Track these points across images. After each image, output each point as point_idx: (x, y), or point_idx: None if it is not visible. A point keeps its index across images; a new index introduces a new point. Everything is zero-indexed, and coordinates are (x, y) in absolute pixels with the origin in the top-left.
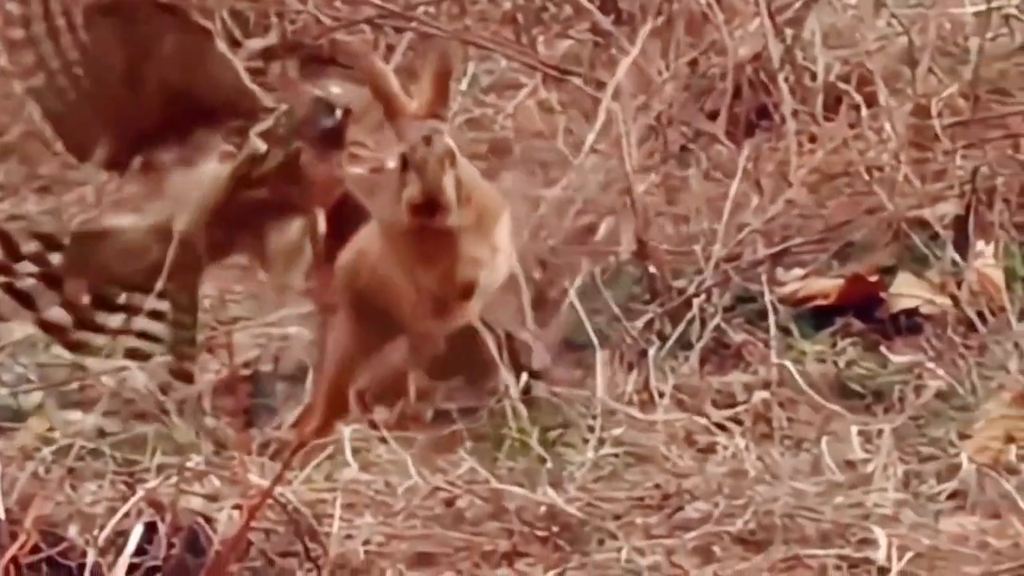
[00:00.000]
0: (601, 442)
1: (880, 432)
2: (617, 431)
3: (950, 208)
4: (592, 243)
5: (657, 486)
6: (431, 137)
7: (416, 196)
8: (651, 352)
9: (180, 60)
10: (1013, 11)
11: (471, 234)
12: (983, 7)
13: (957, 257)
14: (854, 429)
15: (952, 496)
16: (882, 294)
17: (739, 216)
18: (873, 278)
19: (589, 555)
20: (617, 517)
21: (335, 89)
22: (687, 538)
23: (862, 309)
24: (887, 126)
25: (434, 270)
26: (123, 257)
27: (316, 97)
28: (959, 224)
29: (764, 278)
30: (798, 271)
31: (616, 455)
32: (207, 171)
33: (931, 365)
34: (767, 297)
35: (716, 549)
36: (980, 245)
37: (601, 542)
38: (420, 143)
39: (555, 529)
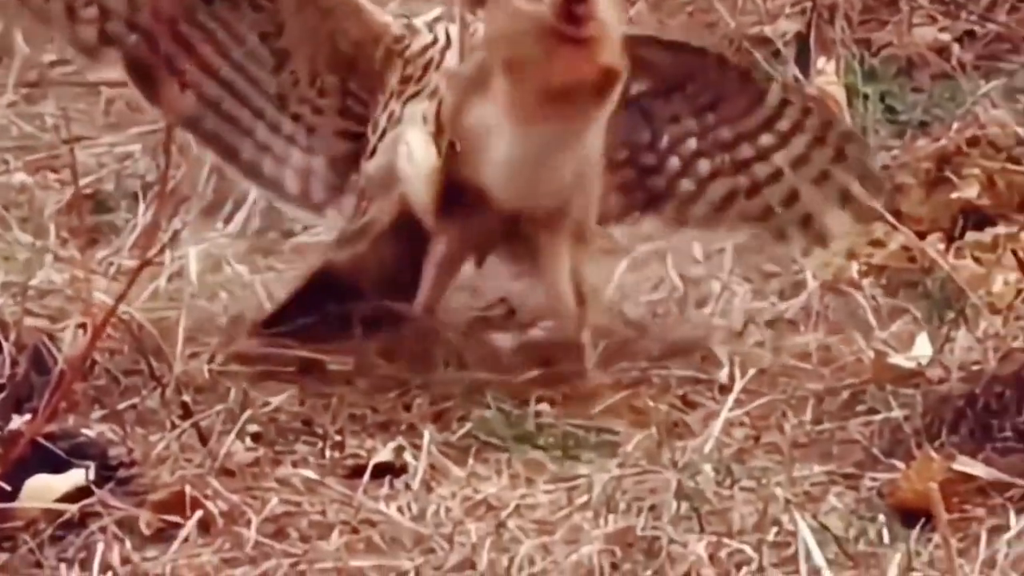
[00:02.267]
0: None
1: (722, 250)
2: None
3: (791, 25)
4: None
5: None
6: None
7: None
8: None
9: None
10: None
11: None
12: None
13: (799, 74)
14: (697, 246)
15: (795, 313)
16: None
17: None
18: None
19: None
20: None
21: None
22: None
23: None
24: None
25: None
26: None
27: None
28: (800, 41)
29: None
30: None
31: None
32: None
33: None
34: None
35: None
36: (821, 62)
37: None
38: None
39: None
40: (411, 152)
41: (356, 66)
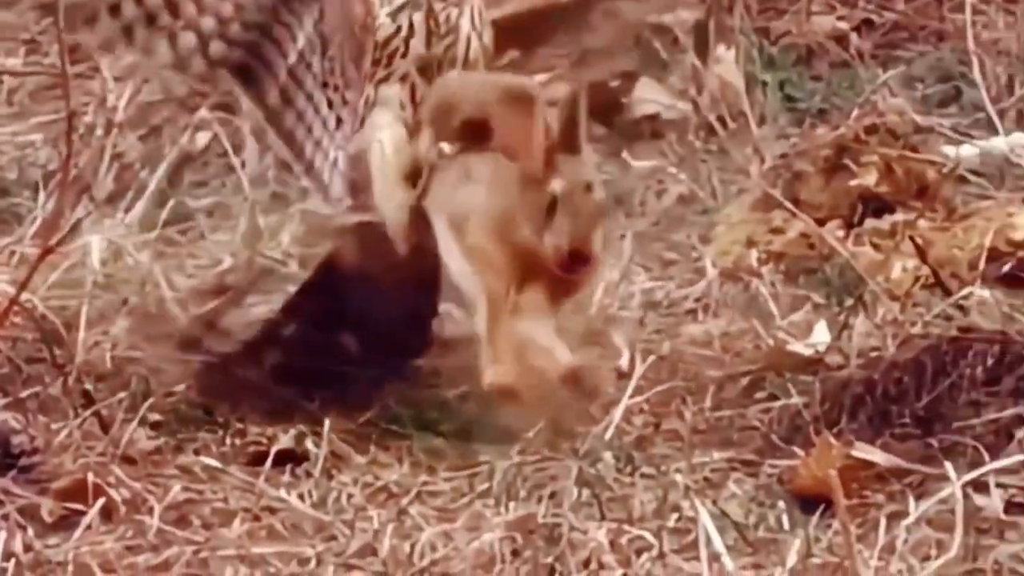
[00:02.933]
0: None
1: (622, 237)
2: None
3: (691, 14)
4: None
5: None
6: (592, 185)
7: (563, 245)
8: None
9: None
10: None
11: None
12: None
13: (698, 62)
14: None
15: (695, 300)
16: (623, 99)
17: None
18: (614, 83)
19: None
20: None
21: None
22: None
23: (603, 115)
24: None
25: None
26: None
27: None
28: (700, 29)
29: None
30: (540, 77)
31: None
32: None
33: (672, 170)
34: None
35: None
36: (721, 50)
37: None
38: (580, 188)
39: None
40: (384, 159)
41: (363, 54)
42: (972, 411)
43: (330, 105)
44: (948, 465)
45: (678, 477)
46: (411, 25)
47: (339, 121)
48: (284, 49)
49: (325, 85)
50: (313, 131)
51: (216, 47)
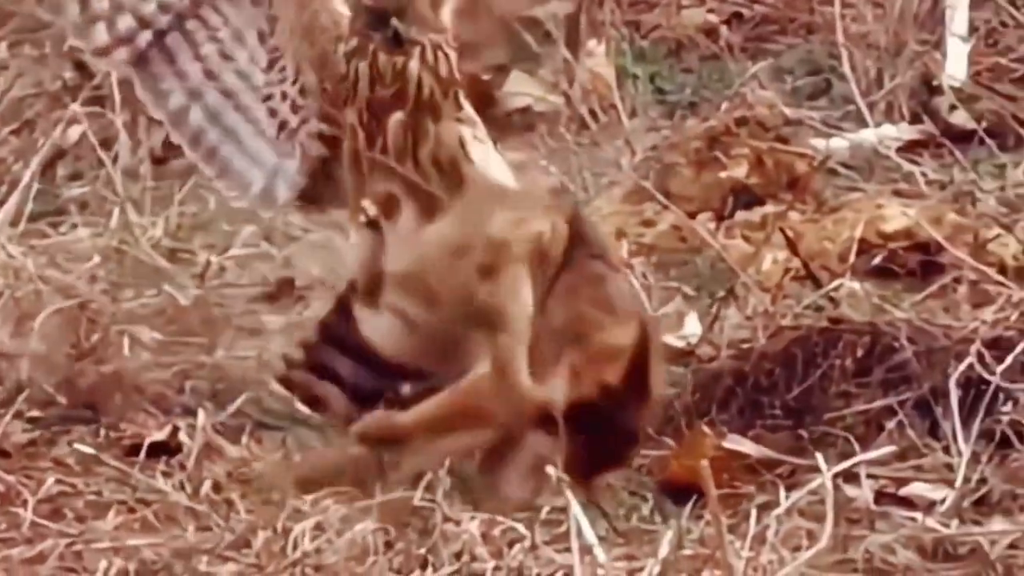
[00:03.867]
0: None
1: None
2: None
3: (562, 7)
4: None
5: None
6: None
7: None
8: None
9: None
10: None
11: None
12: None
13: (569, 55)
14: None
15: None
16: (495, 92)
17: None
18: (486, 76)
19: None
20: None
21: None
22: None
23: (475, 107)
24: None
25: None
26: None
27: None
28: (570, 23)
29: None
30: None
31: None
32: None
33: (544, 162)
34: None
35: None
36: (591, 44)
37: None
38: None
39: None
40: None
41: (327, 64)
42: (842, 402)
43: (273, 114)
44: (819, 456)
45: (549, 469)
46: (357, 71)
47: (283, 126)
48: (197, 47)
49: (269, 97)
50: (238, 135)
51: (125, 22)
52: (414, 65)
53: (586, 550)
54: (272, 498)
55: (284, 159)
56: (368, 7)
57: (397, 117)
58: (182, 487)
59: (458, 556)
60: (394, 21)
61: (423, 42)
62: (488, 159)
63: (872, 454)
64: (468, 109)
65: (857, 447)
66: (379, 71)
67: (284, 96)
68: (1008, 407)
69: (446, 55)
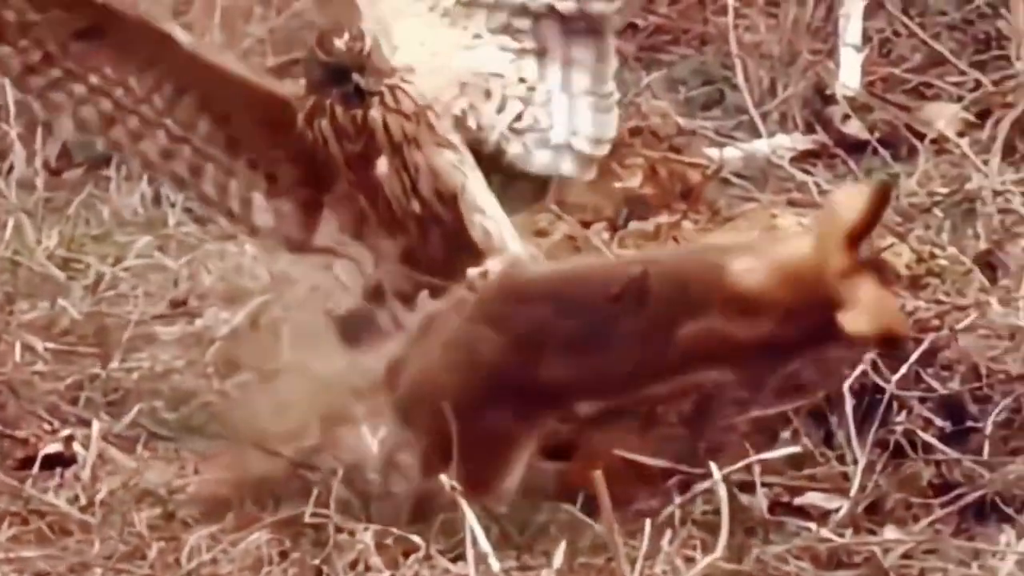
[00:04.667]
0: None
1: None
2: None
3: None
4: None
5: None
6: None
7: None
8: None
9: None
10: None
11: None
12: None
13: None
14: None
15: None
16: None
17: (243, 27)
18: None
19: None
20: None
21: None
22: None
23: None
24: None
25: None
26: None
27: None
28: None
29: None
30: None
31: None
32: None
33: None
34: None
35: None
36: None
37: None
38: None
39: None
40: None
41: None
42: (737, 410)
43: (253, 165)
44: (712, 465)
45: (443, 477)
46: (321, 131)
47: (272, 178)
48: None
49: (237, 149)
50: (228, 191)
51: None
52: (376, 114)
53: (481, 559)
54: (167, 509)
55: (278, 201)
56: (326, 63)
57: (382, 166)
58: (76, 499)
59: (353, 566)
60: (355, 76)
61: (382, 91)
62: (479, 189)
63: (763, 456)
64: (441, 132)
65: (752, 454)
66: (340, 126)
67: (253, 147)
68: (902, 416)
69: (404, 91)
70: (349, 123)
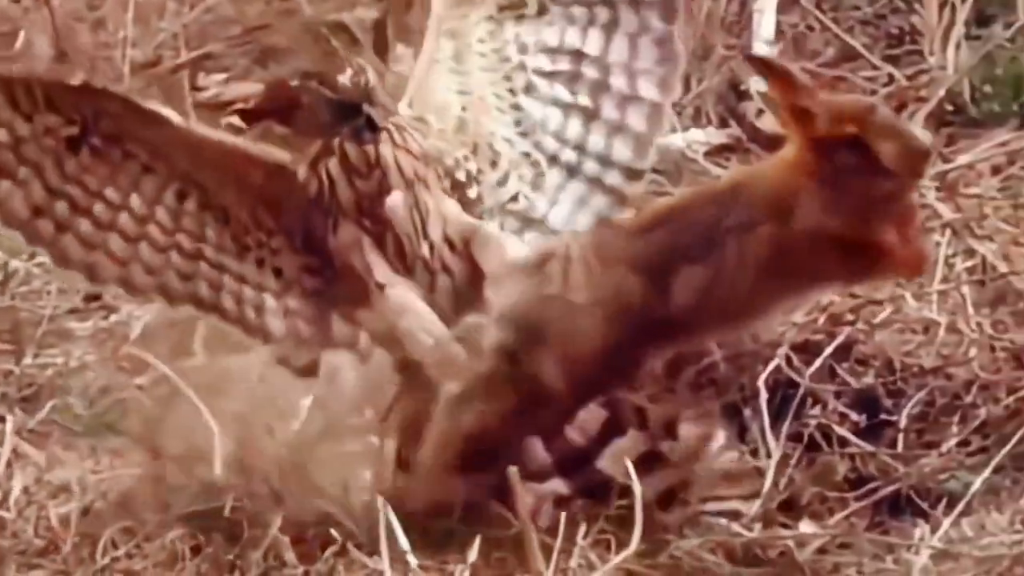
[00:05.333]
0: None
1: None
2: None
3: (369, 12)
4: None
5: None
6: None
7: None
8: None
9: None
10: None
11: None
12: None
13: (377, 60)
14: None
15: None
16: (304, 99)
17: (157, 22)
18: (294, 83)
19: None
20: None
21: None
22: None
23: (284, 114)
24: None
25: None
26: None
27: None
28: (379, 27)
29: (185, 82)
30: (220, 76)
31: None
32: None
33: None
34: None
35: None
36: (400, 48)
37: None
38: None
39: None
40: None
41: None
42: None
43: (260, 264)
44: (627, 462)
45: (367, 475)
46: (329, 174)
47: (277, 271)
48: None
49: (241, 248)
50: (227, 288)
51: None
52: (387, 149)
53: (399, 556)
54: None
55: (287, 298)
56: (334, 101)
57: (396, 199)
58: None
59: (266, 559)
60: (366, 107)
61: (388, 127)
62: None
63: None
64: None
65: None
66: (351, 165)
67: (259, 244)
68: (816, 410)
69: (410, 134)
70: (361, 160)
